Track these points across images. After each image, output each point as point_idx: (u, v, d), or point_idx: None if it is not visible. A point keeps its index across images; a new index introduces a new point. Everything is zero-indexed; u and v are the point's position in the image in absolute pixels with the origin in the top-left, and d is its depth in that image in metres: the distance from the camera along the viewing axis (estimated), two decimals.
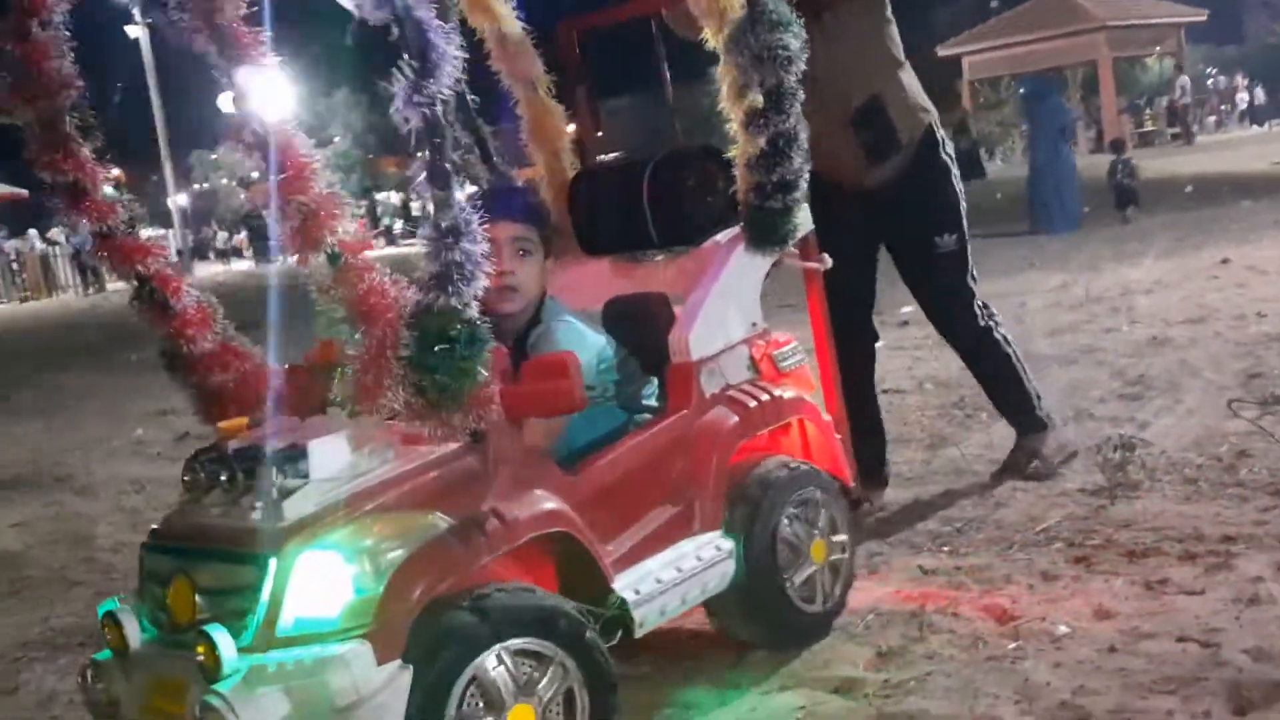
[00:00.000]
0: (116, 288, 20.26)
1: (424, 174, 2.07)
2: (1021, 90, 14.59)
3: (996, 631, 2.82)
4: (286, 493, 2.17)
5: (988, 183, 18.78)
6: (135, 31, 30.86)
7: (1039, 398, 4.23)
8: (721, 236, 3.03)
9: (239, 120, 2.06)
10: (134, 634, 2.26)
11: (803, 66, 2.85)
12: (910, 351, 6.89)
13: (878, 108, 3.82)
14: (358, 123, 37.85)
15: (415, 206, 24.07)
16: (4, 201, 31.60)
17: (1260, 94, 33.84)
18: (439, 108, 2.05)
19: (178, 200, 33.82)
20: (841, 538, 2.95)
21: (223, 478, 2.25)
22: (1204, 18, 31.52)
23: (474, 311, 2.13)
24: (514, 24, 3.35)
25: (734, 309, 2.94)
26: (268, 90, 2.07)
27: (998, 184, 21.40)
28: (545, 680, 2.20)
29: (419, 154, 2.08)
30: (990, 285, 9.08)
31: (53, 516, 5.48)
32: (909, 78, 3.95)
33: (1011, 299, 8.31)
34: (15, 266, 29.97)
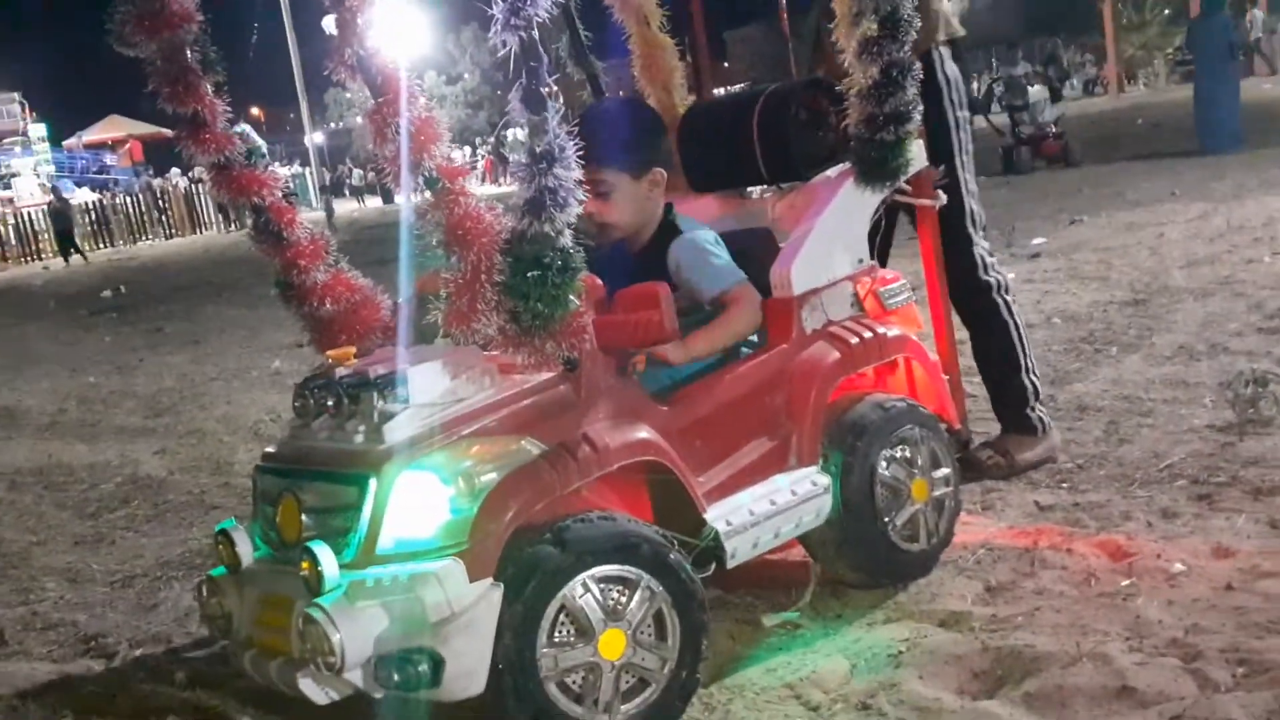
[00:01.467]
0: None
1: (519, 98, 2.07)
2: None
3: (1110, 568, 2.75)
4: (387, 416, 2.22)
5: (1125, 108, 17.98)
6: None
7: (1037, 394, 3.69)
8: (832, 171, 2.96)
9: (338, 44, 2.09)
10: (246, 551, 2.35)
11: None
12: (1039, 285, 6.71)
13: None
14: (486, 59, 38.07)
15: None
16: (150, 141, 32.79)
17: None
18: (535, 31, 2.04)
19: (314, 138, 34.61)
20: (945, 472, 2.89)
21: (329, 402, 2.31)
22: None
23: (568, 239, 2.14)
24: None
25: (840, 244, 2.88)
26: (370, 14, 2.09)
27: (1140, 109, 20.52)
28: (634, 604, 2.22)
29: (516, 78, 2.08)
30: (1128, 214, 8.90)
31: (195, 443, 5.71)
32: None
33: (1149, 229, 8.04)
34: (162, 204, 31.11)
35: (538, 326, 2.15)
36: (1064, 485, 3.47)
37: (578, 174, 2.09)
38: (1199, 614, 2.45)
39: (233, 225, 27.38)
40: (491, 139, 32.53)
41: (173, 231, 30.11)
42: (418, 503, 2.15)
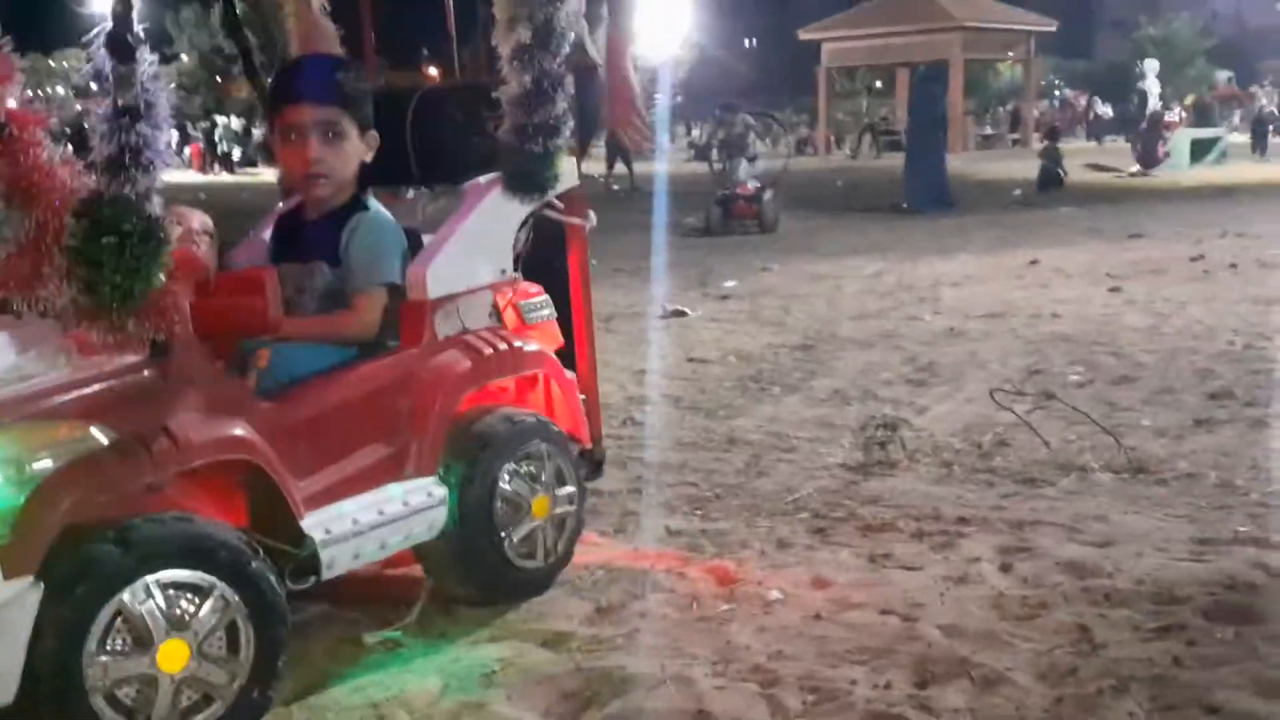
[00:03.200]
0: None
1: (104, 44, 1.90)
2: (919, 73, 17.42)
3: (714, 593, 2.80)
4: None
5: (831, 169, 19.01)
6: None
7: None
8: (484, 178, 2.91)
9: None
10: None
11: (577, 8, 2.75)
12: (724, 324, 6.95)
13: None
14: (205, 42, 36.23)
15: (257, 133, 23.04)
16: None
17: (1103, 109, 35.03)
18: None
19: None
20: (569, 490, 2.87)
21: None
22: (1053, 28, 32.69)
23: (155, 205, 1.97)
24: None
25: (482, 252, 2.82)
26: None
27: (841, 171, 21.76)
28: (204, 613, 2.07)
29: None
30: (814, 266, 9.35)
31: None
32: None
33: (829, 281, 8.47)
34: None
35: (116, 301, 1.97)
36: (698, 512, 3.55)
37: (168, 135, 1.94)
38: (786, 641, 2.51)
39: None
40: (202, 124, 30.97)
41: None
42: None
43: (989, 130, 33.60)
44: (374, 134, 2.73)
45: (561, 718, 2.25)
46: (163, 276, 1.99)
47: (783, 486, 3.74)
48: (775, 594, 2.75)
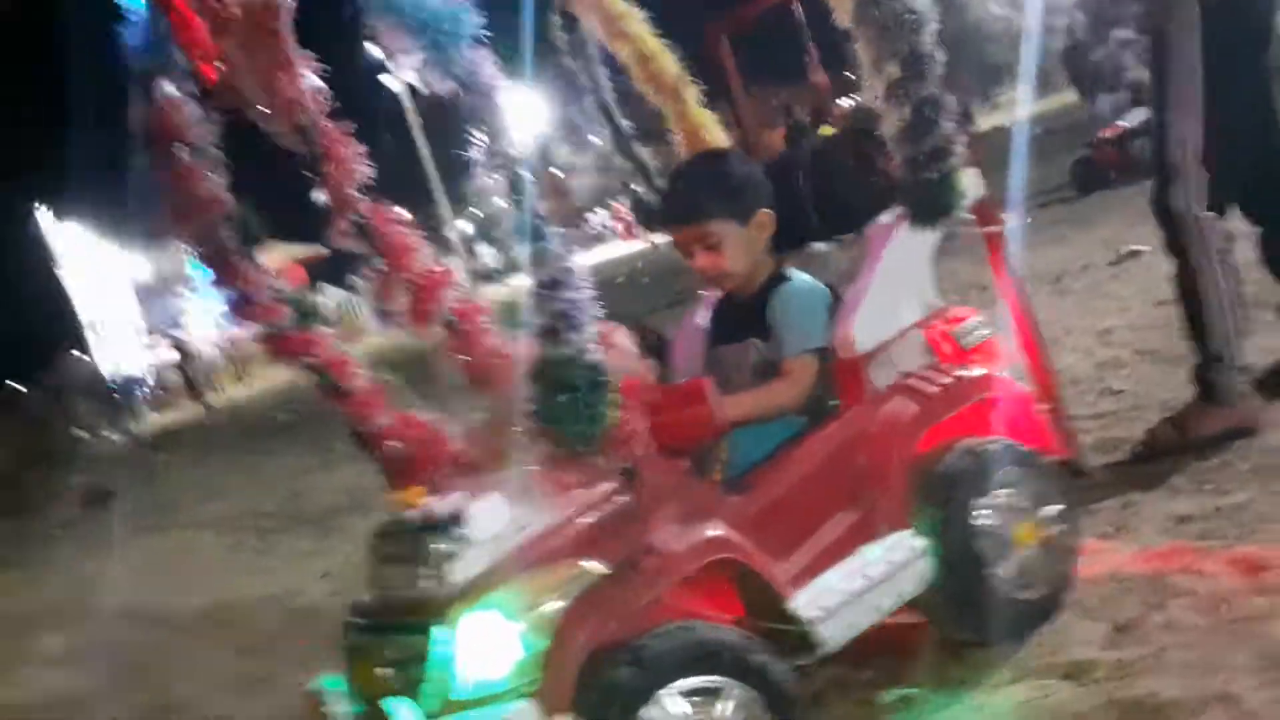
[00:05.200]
0: None
1: (514, 230, 2.08)
2: None
3: (1243, 588, 2.54)
4: (450, 558, 2.23)
5: None
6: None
7: (1225, 358, 3.59)
8: (885, 217, 2.88)
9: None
10: (338, 711, 2.37)
11: (935, 27, 2.68)
12: None
13: None
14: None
15: None
16: (309, 262, 34.22)
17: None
18: (516, 165, 2.05)
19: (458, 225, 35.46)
20: (1053, 510, 2.74)
21: (398, 551, 2.35)
22: None
23: (593, 354, 2.12)
24: (652, 40, 3.30)
25: (901, 292, 2.79)
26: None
27: None
28: (724, 712, 2.16)
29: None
30: None
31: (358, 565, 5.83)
32: None
33: None
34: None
35: (582, 445, 2.14)
36: (1207, 486, 3.26)
37: (589, 293, 2.08)
38: None
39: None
40: (624, 196, 32.85)
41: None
42: (485, 644, 2.15)
43: None
44: (765, 213, 2.78)
45: None
46: (615, 413, 2.13)
47: None
48: None
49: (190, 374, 28.00)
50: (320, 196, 2.19)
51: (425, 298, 2.13)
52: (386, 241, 2.14)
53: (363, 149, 2.18)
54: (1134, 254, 6.79)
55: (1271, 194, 3.73)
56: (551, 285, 2.06)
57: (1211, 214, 3.61)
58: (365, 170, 2.18)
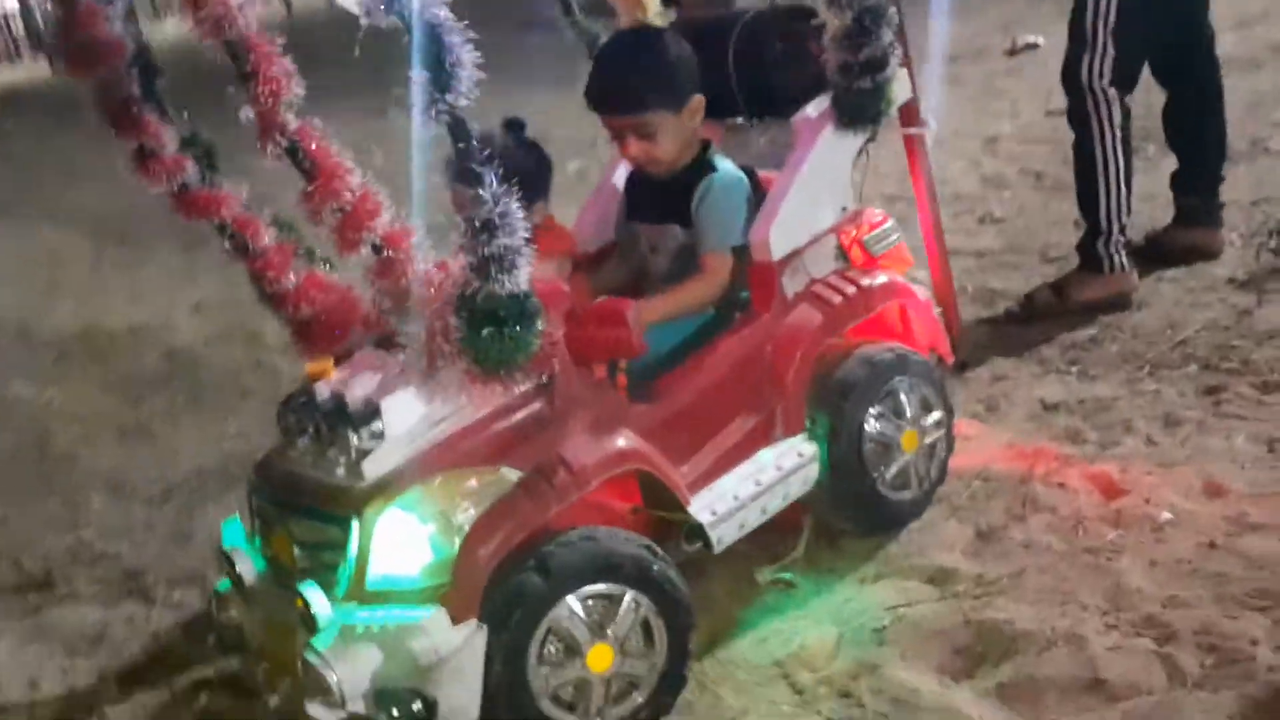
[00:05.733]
0: None
1: (454, 173, 2.02)
2: None
3: (1099, 514, 2.74)
4: (364, 453, 2.26)
5: None
6: None
7: (1110, 231, 3.84)
8: (812, 109, 2.84)
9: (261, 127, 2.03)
10: (248, 570, 2.44)
11: None
12: None
13: None
14: None
15: None
16: None
17: None
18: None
19: None
20: (936, 416, 2.88)
21: (310, 430, 2.36)
22: None
23: (523, 286, 2.10)
24: None
25: (822, 196, 2.80)
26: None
27: None
28: (619, 617, 2.29)
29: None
30: None
31: (227, 303, 5.44)
32: None
33: None
34: None
35: (503, 370, 2.16)
36: (1074, 367, 3.48)
37: (523, 235, 2.04)
38: (1179, 581, 2.41)
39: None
40: None
41: None
42: (399, 542, 2.22)
43: None
44: (698, 99, 2.73)
45: (954, 676, 2.34)
46: (537, 342, 2.14)
47: (1167, 321, 3.55)
48: (1166, 514, 2.65)
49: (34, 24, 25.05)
50: (248, 114, 2.06)
51: (353, 223, 2.07)
52: (316, 164, 2.04)
53: (293, 67, 2.04)
54: (1031, 46, 6.74)
55: (1178, 60, 3.91)
56: (487, 229, 2.01)
57: (1116, 89, 3.71)
58: (296, 89, 2.05)
